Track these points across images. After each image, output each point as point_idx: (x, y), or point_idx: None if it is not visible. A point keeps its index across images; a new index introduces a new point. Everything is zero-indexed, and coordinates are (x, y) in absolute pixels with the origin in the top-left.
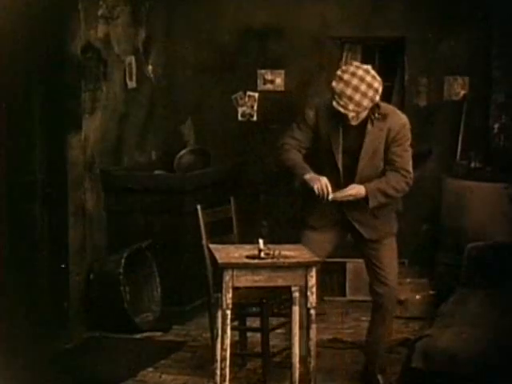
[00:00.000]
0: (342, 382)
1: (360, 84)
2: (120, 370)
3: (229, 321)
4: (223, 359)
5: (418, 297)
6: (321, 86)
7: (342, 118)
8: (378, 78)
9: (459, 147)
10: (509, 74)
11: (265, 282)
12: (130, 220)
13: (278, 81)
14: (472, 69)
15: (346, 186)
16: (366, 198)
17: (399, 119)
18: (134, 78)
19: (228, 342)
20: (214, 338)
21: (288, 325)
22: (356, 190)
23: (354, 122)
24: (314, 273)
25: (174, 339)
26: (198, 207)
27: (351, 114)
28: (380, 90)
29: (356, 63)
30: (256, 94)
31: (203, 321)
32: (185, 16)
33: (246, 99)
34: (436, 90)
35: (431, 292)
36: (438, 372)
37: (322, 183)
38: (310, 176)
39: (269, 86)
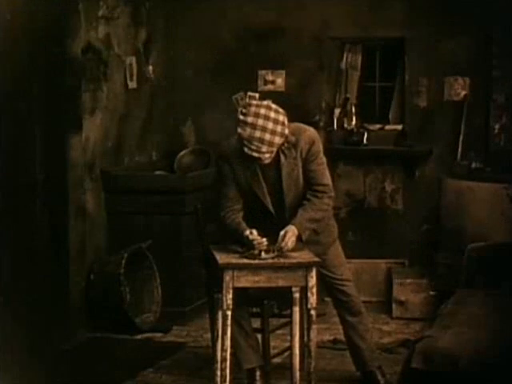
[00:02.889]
0: (343, 382)
1: (266, 123)
2: (120, 371)
3: (229, 321)
4: (223, 360)
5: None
6: (321, 86)
7: (256, 160)
8: (281, 110)
9: (459, 147)
10: (509, 74)
11: (265, 283)
12: (130, 220)
13: (279, 81)
14: (472, 69)
15: (279, 221)
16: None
17: (306, 137)
18: (135, 78)
19: (228, 342)
20: (214, 339)
21: (289, 325)
22: (291, 235)
23: (267, 161)
24: (314, 273)
25: (174, 340)
26: (199, 207)
27: (266, 156)
28: (286, 121)
29: (254, 102)
30: (257, 95)
31: (204, 321)
32: (185, 16)
33: (247, 100)
34: (436, 91)
35: (431, 292)
36: (438, 372)
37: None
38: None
39: (269, 87)
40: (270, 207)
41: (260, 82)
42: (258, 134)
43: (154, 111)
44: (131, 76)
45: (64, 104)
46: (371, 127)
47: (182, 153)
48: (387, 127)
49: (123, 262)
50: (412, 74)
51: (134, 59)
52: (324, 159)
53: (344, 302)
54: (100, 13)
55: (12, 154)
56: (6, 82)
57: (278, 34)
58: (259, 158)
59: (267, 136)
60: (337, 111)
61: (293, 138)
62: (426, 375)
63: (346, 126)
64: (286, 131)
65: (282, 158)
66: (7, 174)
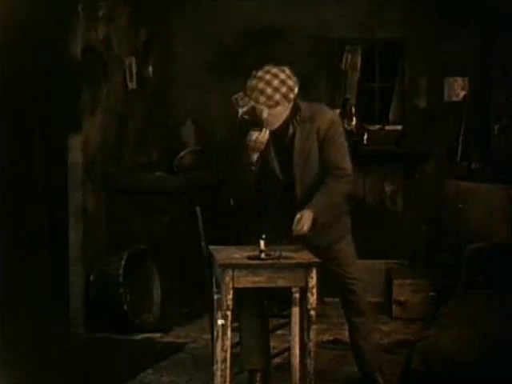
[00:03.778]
0: (342, 383)
1: (273, 80)
2: (120, 372)
3: (229, 322)
4: (223, 360)
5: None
6: (321, 87)
7: (271, 136)
8: (294, 78)
9: (459, 148)
10: (509, 75)
11: (265, 283)
12: (130, 221)
13: None
14: (472, 69)
15: (289, 198)
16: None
17: (326, 117)
18: (135, 78)
19: (228, 343)
20: (214, 340)
21: (288, 326)
22: (307, 219)
23: (271, 126)
24: (314, 273)
25: (174, 340)
26: (198, 208)
27: (260, 107)
28: (295, 89)
29: (275, 66)
30: None
31: (203, 322)
32: (185, 16)
33: (247, 100)
34: (436, 91)
35: (431, 293)
36: (438, 373)
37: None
38: None
39: None
40: (280, 176)
41: None
42: (261, 85)
43: (154, 112)
44: (131, 76)
45: (64, 104)
46: (371, 128)
47: (181, 153)
48: (387, 128)
49: (123, 262)
50: (412, 74)
51: (133, 60)
52: (345, 143)
53: (351, 302)
54: (100, 13)
55: (12, 154)
56: (7, 81)
57: (278, 35)
58: (261, 117)
59: (269, 90)
60: (336, 112)
61: (307, 113)
62: (425, 376)
63: (345, 126)
64: (292, 96)
65: (291, 128)
66: (7, 175)
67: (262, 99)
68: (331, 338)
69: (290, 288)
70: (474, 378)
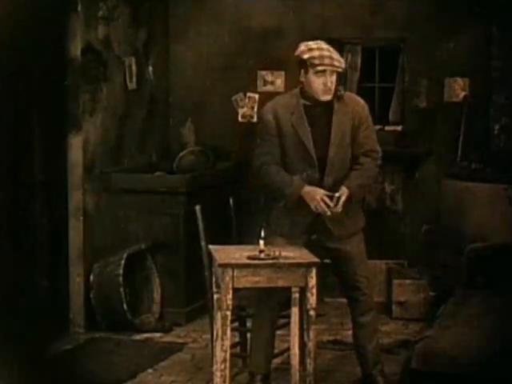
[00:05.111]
0: (342, 383)
1: (328, 48)
2: (119, 372)
3: (229, 322)
4: (223, 360)
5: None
6: None
7: (304, 108)
8: None
9: (459, 148)
10: (509, 75)
11: (265, 283)
12: (130, 221)
13: (279, 82)
14: (472, 70)
15: (321, 176)
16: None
17: (359, 102)
18: (134, 79)
19: (228, 343)
20: (213, 340)
21: (288, 326)
22: (344, 197)
23: (328, 96)
24: (314, 273)
25: (173, 340)
26: (197, 208)
27: (336, 71)
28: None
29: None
30: (256, 96)
31: (203, 322)
32: (185, 16)
33: (247, 100)
34: (436, 92)
35: (431, 293)
36: (437, 373)
37: (318, 200)
38: (305, 191)
39: (269, 87)
40: (312, 152)
41: (259, 83)
42: (326, 52)
43: (154, 112)
44: (131, 77)
45: (64, 104)
46: None
47: (181, 153)
48: (387, 128)
49: (122, 262)
50: (412, 74)
51: (133, 60)
52: (373, 125)
53: (358, 301)
54: (100, 13)
55: (12, 155)
56: (6, 82)
57: (278, 35)
58: (328, 83)
59: (335, 55)
60: None
61: (342, 93)
62: (425, 376)
63: None
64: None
65: (335, 102)
66: (7, 175)
67: (337, 63)
68: (331, 338)
69: (290, 288)
70: (474, 378)
